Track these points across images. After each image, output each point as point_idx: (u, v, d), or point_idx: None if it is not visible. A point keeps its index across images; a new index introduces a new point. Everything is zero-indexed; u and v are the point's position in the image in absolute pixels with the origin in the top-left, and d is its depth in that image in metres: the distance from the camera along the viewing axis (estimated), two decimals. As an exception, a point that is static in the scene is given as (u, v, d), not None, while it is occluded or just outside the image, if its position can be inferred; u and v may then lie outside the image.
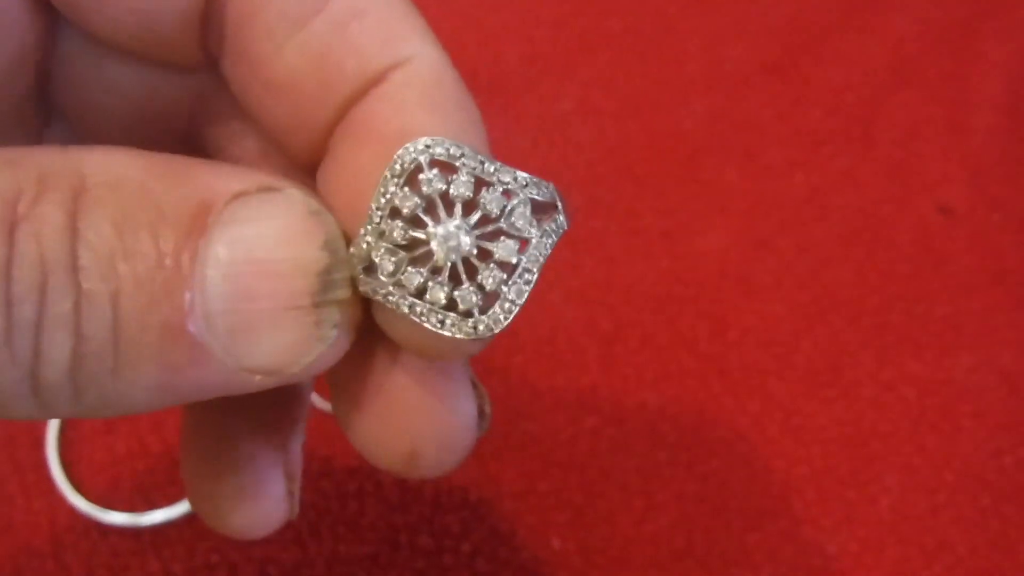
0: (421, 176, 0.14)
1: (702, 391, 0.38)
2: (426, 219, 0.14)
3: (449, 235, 0.14)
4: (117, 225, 0.13)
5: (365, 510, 0.36)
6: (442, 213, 0.14)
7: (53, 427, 0.36)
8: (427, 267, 0.14)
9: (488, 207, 0.14)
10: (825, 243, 0.42)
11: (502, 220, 0.14)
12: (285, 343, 0.14)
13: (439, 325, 0.14)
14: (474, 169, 0.14)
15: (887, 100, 0.45)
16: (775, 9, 0.49)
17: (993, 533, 0.36)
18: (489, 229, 0.15)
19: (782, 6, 0.49)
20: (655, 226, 0.41)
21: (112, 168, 0.13)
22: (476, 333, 0.15)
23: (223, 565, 0.34)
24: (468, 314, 0.15)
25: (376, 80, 0.15)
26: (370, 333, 0.16)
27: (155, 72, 0.18)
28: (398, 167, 0.14)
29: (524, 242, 0.15)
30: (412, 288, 0.14)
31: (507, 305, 0.15)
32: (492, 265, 0.15)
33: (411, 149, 0.14)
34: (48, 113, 0.19)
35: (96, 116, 0.19)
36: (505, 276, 0.15)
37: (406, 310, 0.14)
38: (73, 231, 0.12)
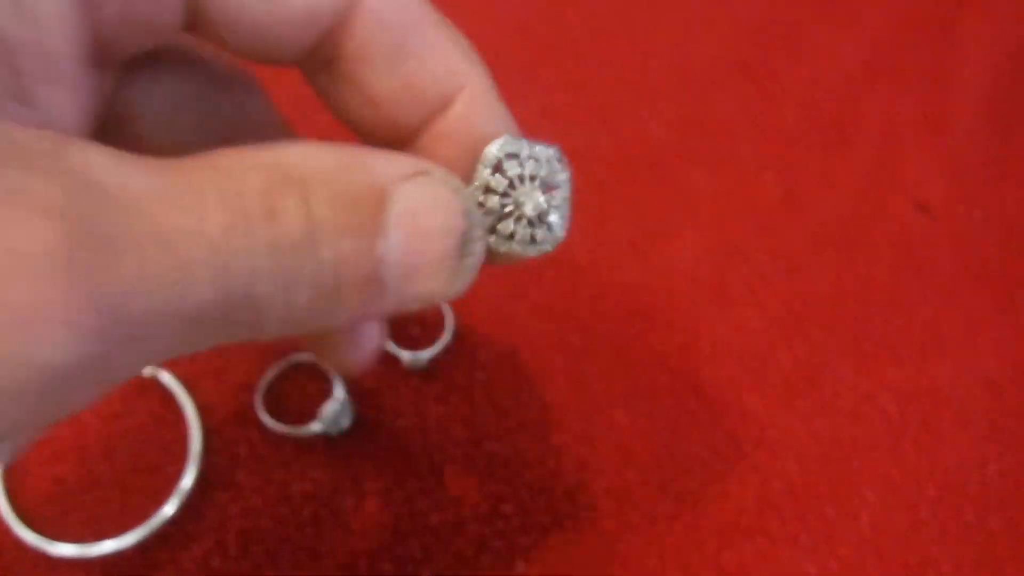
0: (504, 164, 0.21)
1: (675, 407, 0.37)
2: (510, 191, 0.21)
3: (537, 201, 0.21)
4: (332, 207, 0.17)
5: (324, 536, 0.34)
6: (519, 185, 0.21)
7: (-9, 458, 0.34)
8: (517, 219, 0.21)
9: (541, 175, 0.21)
10: (800, 247, 0.40)
11: (546, 179, 0.21)
12: (438, 284, 0.19)
13: (530, 249, 0.21)
14: (527, 154, 0.21)
15: (863, 96, 0.44)
16: (744, 4, 0.47)
17: (978, 548, 0.35)
18: (542, 187, 0.21)
19: (751, 1, 0.48)
20: (622, 234, 0.40)
21: (311, 161, 0.18)
22: (550, 248, 0.22)
23: (170, 601, 0.32)
24: (541, 241, 0.22)
25: (449, 100, 0.22)
26: None
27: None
28: (488, 160, 0.21)
29: (552, 188, 0.22)
30: (507, 234, 0.21)
31: (562, 230, 0.22)
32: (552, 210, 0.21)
33: (494, 148, 0.21)
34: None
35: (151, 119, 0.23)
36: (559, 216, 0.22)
37: (518, 249, 0.21)
38: (308, 215, 0.17)
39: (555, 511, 0.35)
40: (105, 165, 0.16)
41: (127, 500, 0.34)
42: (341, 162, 0.18)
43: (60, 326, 0.14)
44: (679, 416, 0.37)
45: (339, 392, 0.36)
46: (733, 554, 0.35)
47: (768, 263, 0.40)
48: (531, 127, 0.43)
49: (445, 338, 0.37)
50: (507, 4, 0.47)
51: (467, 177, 0.21)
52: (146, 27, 0.20)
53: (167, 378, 0.36)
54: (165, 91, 0.23)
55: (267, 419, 0.36)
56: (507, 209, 0.21)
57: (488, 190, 0.21)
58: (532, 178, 0.21)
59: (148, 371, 0.36)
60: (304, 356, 0.37)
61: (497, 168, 0.21)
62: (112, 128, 0.22)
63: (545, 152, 0.21)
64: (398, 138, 0.22)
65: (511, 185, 0.21)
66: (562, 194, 0.22)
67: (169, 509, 0.34)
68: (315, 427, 0.35)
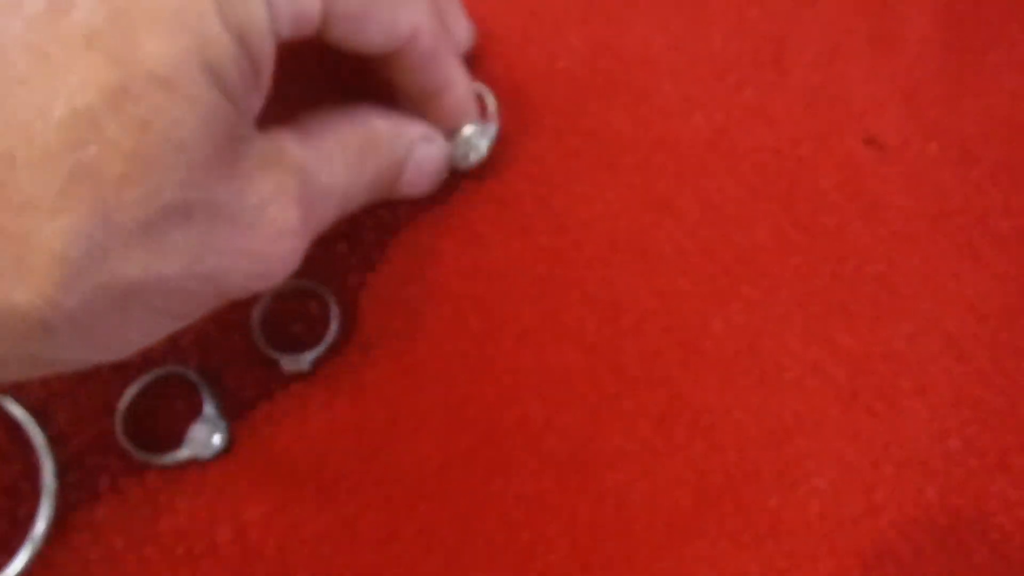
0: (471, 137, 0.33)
1: (593, 393, 0.32)
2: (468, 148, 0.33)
3: (481, 153, 0.33)
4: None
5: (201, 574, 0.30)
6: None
7: None
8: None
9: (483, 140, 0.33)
10: (734, 197, 0.35)
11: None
12: (420, 192, 0.33)
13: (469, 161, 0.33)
14: (479, 131, 0.33)
15: (800, 14, 0.38)
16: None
17: (940, 531, 0.31)
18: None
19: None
20: (528, 193, 0.35)
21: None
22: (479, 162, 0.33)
23: None
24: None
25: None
26: None
27: None
28: (463, 135, 0.33)
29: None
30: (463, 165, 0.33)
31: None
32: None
33: (467, 130, 0.33)
34: None
35: None
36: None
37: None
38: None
39: (463, 527, 0.31)
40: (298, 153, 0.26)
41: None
42: (390, 123, 0.30)
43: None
44: (599, 404, 0.32)
45: (209, 409, 0.31)
46: (668, 561, 0.31)
47: (698, 217, 0.35)
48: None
49: (330, 335, 0.33)
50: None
51: (448, 135, 0.32)
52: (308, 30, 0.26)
53: (11, 406, 0.31)
54: None
55: (129, 447, 0.31)
56: (461, 154, 0.33)
57: (460, 148, 0.33)
58: (469, 141, 0.33)
59: (-12, 399, 0.32)
60: (170, 368, 0.32)
61: (467, 141, 0.33)
62: None
63: (489, 129, 0.33)
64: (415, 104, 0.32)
65: (466, 144, 0.33)
66: (487, 142, 0.33)
67: (19, 562, 0.29)
68: (183, 453, 0.31)
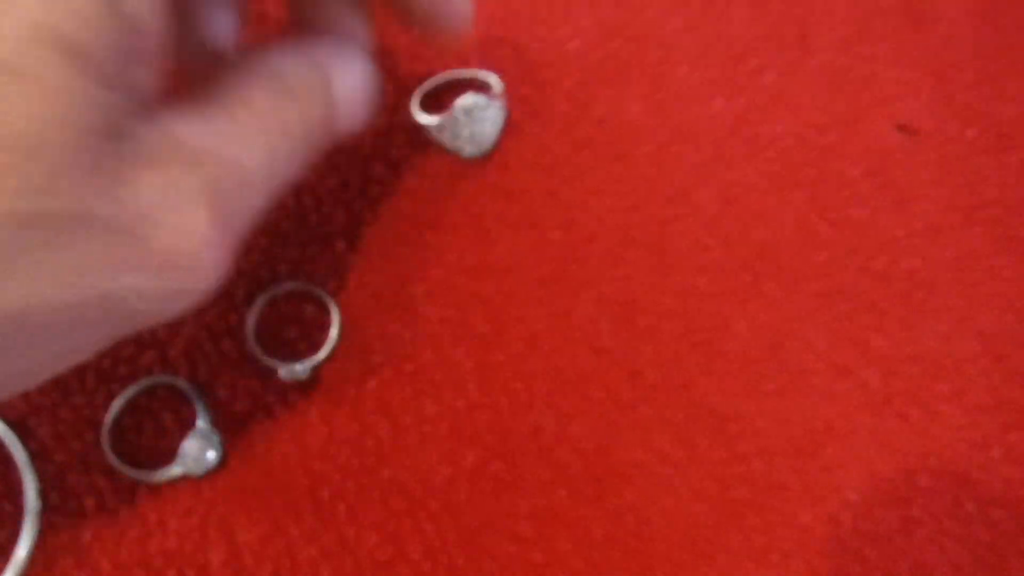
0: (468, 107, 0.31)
1: (609, 401, 0.30)
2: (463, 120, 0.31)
3: (473, 130, 0.31)
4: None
5: (196, 598, 0.28)
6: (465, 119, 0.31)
7: None
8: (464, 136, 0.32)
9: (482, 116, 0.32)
10: (757, 188, 0.33)
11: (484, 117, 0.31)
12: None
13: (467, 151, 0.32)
14: (476, 102, 0.31)
15: (826, -9, 0.36)
16: None
17: (982, 547, 0.29)
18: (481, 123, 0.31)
19: None
20: (538, 186, 0.33)
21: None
22: (477, 153, 0.32)
23: None
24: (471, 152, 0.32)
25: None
26: None
27: None
28: (459, 105, 0.31)
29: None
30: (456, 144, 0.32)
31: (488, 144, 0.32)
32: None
33: (465, 100, 0.31)
34: None
35: None
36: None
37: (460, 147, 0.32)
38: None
39: (472, 546, 0.29)
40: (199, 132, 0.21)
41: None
42: (298, 58, 0.24)
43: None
44: (616, 414, 0.30)
45: (201, 423, 0.29)
46: (688, 579, 0.29)
47: (718, 210, 0.33)
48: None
49: (330, 341, 0.31)
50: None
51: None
52: None
53: (-9, 420, 0.30)
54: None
55: (117, 463, 0.29)
56: (462, 131, 0.31)
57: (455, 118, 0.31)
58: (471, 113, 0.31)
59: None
60: (159, 378, 0.30)
61: (467, 111, 0.31)
62: None
63: (494, 110, 0.31)
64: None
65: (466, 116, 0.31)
66: (492, 127, 0.31)
67: (0, 588, 0.28)
68: (175, 470, 0.29)
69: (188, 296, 0.21)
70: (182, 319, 0.31)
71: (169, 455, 0.29)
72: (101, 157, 0.19)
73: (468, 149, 0.32)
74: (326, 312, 0.31)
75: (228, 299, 0.31)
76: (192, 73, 0.26)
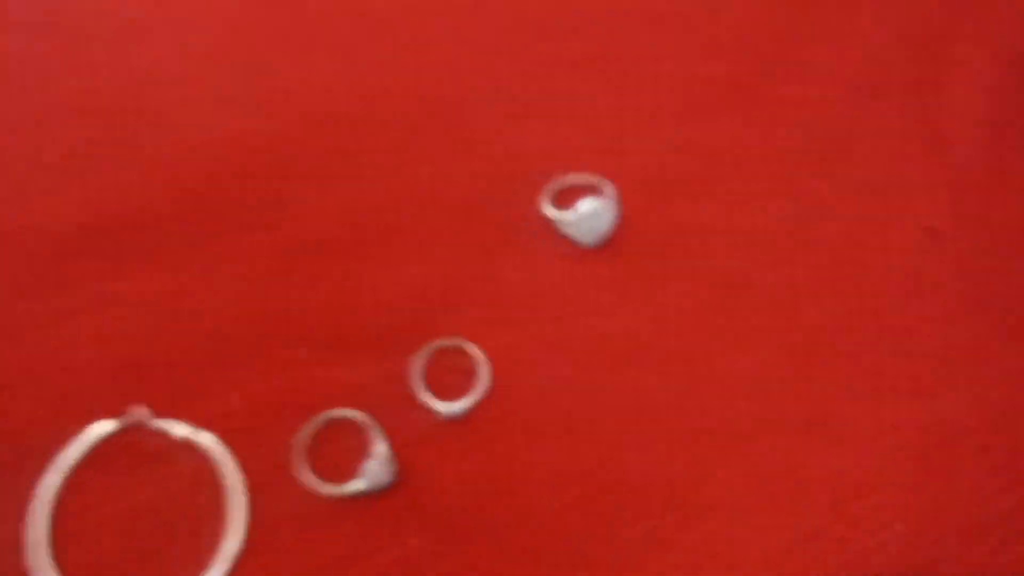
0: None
1: (695, 447, 0.38)
2: None
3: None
4: None
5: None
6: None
7: None
8: None
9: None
10: (806, 278, 0.41)
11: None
12: None
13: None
14: None
15: (862, 115, 0.44)
16: (737, 24, 0.47)
17: None
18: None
19: (743, 21, 0.48)
20: (644, 270, 0.40)
21: None
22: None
23: None
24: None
25: None
26: None
27: None
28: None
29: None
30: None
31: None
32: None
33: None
34: None
35: None
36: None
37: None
38: None
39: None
40: None
41: (169, 570, 0.35)
42: None
43: None
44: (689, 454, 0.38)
45: (381, 448, 0.36)
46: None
47: (774, 295, 0.41)
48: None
49: (480, 387, 0.38)
50: (508, 28, 0.47)
51: None
52: None
53: (203, 436, 0.36)
54: None
55: (309, 478, 0.36)
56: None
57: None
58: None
59: (182, 433, 0.36)
60: (339, 412, 0.37)
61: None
62: None
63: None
64: None
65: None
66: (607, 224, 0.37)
67: (217, 576, 0.34)
68: (358, 484, 0.36)
69: None
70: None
71: (350, 474, 0.36)
72: None
73: (587, 240, 0.39)
74: (477, 362, 0.38)
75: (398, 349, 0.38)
76: None
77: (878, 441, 0.38)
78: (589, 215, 0.39)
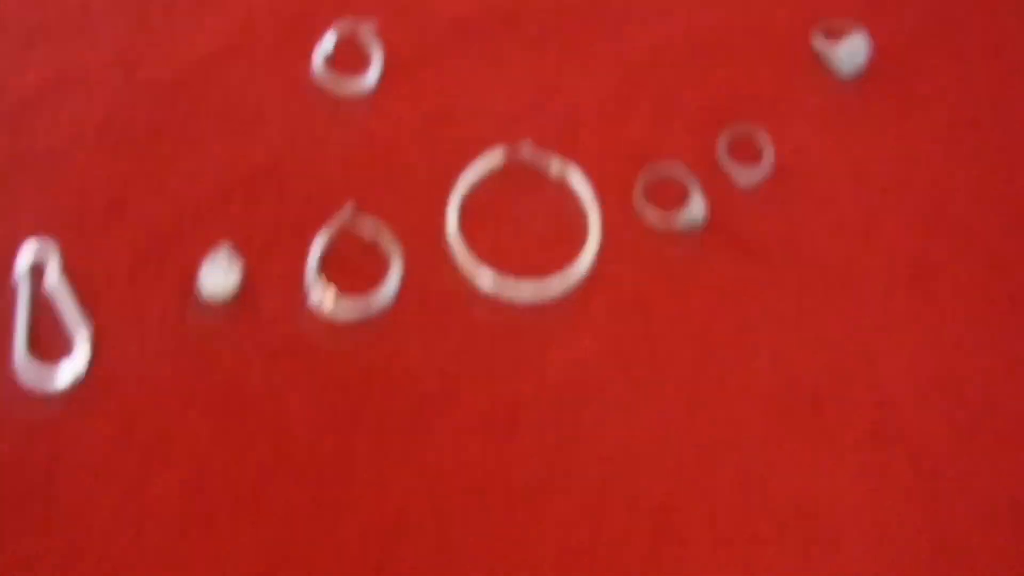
0: None
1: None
2: None
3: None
4: None
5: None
6: None
7: None
8: None
9: None
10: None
11: None
12: None
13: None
14: None
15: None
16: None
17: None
18: None
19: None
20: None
21: None
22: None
23: None
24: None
25: None
26: None
27: None
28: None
29: None
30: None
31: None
32: None
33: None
34: None
35: None
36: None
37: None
38: None
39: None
40: None
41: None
42: None
43: None
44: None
45: (697, 197, 0.48)
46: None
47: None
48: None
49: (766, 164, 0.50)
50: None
51: None
52: None
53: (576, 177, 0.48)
54: None
55: (650, 212, 0.47)
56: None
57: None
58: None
59: (557, 169, 0.48)
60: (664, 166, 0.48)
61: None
62: None
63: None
64: None
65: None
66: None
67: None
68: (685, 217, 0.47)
69: None
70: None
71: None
72: None
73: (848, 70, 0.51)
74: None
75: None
76: None
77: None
78: (851, 49, 0.51)
